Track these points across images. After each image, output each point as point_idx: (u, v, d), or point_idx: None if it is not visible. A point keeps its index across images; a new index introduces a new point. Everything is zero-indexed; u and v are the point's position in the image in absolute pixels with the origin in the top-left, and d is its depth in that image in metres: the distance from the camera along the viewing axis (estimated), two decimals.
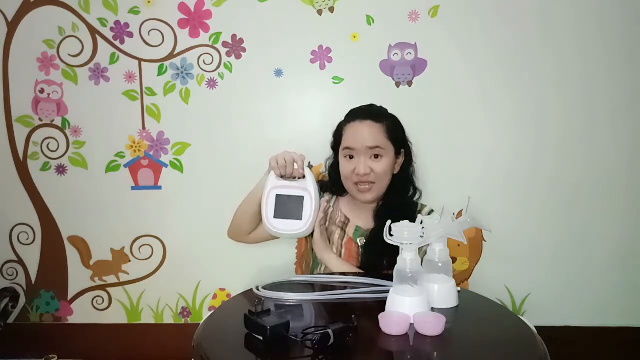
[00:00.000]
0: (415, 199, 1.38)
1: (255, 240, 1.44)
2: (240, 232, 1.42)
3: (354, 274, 1.19)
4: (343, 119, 1.36)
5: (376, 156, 1.27)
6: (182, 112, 1.66)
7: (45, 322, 1.77)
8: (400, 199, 1.34)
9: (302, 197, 1.29)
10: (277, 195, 1.29)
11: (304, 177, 1.30)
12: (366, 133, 1.27)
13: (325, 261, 1.29)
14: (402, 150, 1.35)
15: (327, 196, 1.41)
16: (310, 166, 1.65)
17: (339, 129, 1.36)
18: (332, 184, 1.41)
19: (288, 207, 1.29)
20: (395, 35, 1.59)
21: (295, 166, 1.29)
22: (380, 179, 1.28)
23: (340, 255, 1.32)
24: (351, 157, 1.29)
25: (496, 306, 1.01)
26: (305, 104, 1.64)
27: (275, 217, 1.29)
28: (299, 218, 1.28)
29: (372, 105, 1.37)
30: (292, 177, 1.30)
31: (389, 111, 1.37)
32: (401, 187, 1.35)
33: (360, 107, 1.37)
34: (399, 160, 1.34)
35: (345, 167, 1.31)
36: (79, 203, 1.71)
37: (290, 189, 1.30)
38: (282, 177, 1.30)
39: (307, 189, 1.29)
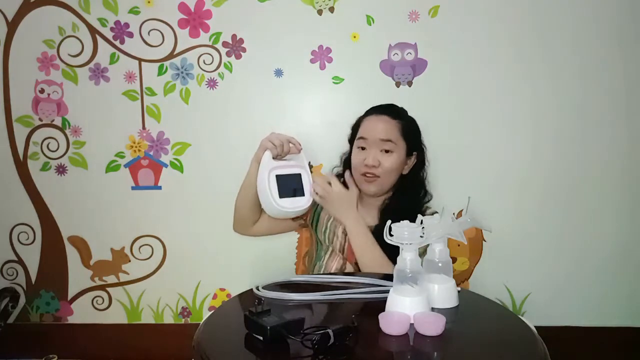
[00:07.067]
0: (425, 200, 1.39)
1: (259, 232, 1.46)
2: (245, 224, 1.43)
3: (353, 274, 1.19)
4: (362, 114, 1.41)
5: (387, 151, 1.30)
6: (182, 112, 1.66)
7: (45, 322, 1.77)
8: (407, 199, 1.35)
9: (299, 174, 1.33)
10: (277, 176, 1.31)
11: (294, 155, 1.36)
12: (380, 126, 1.32)
13: (346, 220, 1.30)
14: (415, 152, 1.37)
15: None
16: (310, 166, 1.65)
17: (357, 122, 1.40)
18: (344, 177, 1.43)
19: (290, 185, 1.31)
20: (395, 35, 1.59)
21: (290, 145, 1.34)
22: (385, 174, 1.31)
23: (343, 249, 1.33)
24: (363, 148, 1.33)
25: (496, 306, 1.01)
26: (305, 104, 1.64)
27: (281, 197, 1.30)
28: (302, 194, 1.32)
29: (393, 105, 1.41)
30: (282, 157, 1.35)
31: None
32: (409, 189, 1.37)
33: (382, 104, 1.41)
34: (410, 161, 1.36)
35: (356, 157, 1.35)
36: (79, 203, 1.71)
37: (287, 168, 1.33)
38: (274, 158, 1.33)
39: (302, 165, 1.35)
